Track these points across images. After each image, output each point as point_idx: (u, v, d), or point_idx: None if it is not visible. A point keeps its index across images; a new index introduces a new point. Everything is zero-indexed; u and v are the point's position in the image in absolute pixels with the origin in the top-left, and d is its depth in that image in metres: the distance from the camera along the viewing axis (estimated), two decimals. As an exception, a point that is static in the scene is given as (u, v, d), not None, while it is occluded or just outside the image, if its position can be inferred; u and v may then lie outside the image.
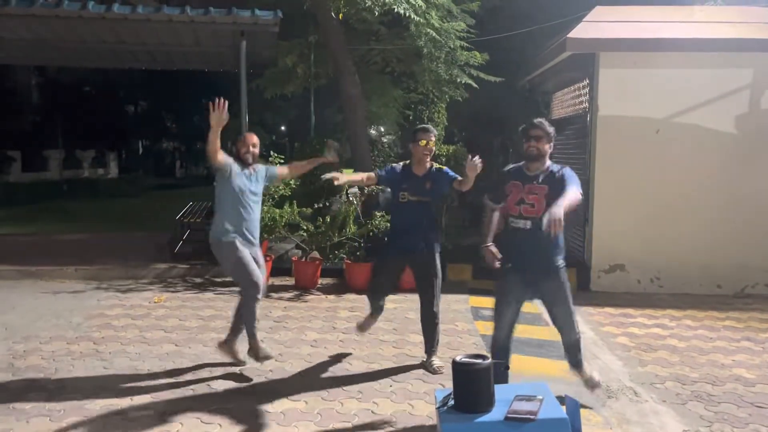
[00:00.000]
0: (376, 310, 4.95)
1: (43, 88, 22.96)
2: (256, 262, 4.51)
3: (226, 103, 4.21)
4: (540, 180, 3.79)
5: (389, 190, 5.26)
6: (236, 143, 4.61)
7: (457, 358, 3.14)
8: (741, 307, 6.73)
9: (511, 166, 4.05)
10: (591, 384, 4.11)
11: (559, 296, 3.87)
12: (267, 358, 4.47)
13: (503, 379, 3.87)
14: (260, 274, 4.51)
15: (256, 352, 4.44)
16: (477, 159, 4.17)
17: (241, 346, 4.62)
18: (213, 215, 8.62)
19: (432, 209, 4.62)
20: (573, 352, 4.06)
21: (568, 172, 3.80)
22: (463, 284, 7.50)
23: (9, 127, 19.77)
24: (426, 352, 4.73)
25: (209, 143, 4.29)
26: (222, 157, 4.38)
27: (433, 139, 4.60)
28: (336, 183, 4.51)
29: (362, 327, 5.02)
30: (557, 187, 3.67)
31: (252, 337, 4.44)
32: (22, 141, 20.78)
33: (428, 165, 4.59)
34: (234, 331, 4.66)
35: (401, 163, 4.73)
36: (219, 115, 4.15)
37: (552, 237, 3.62)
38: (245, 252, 4.42)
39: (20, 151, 20.73)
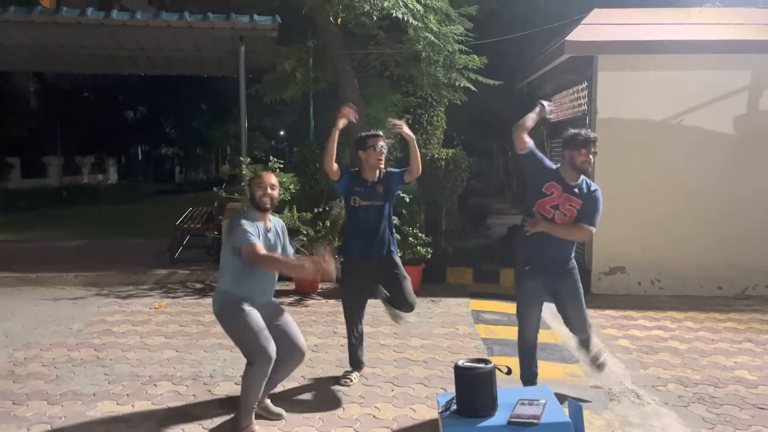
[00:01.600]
0: (357, 346, 4.55)
1: (41, 95, 22.98)
2: (279, 322, 3.79)
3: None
4: (578, 193, 3.92)
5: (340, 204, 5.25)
6: (250, 184, 3.82)
7: (460, 362, 3.14)
8: (742, 309, 6.73)
9: (551, 164, 4.07)
10: (596, 362, 4.24)
11: (574, 295, 4.05)
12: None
13: (532, 380, 4.16)
14: (297, 340, 3.80)
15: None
16: (395, 121, 4.43)
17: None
18: (213, 220, 8.59)
19: (386, 213, 4.46)
20: (587, 345, 4.24)
21: (599, 198, 3.97)
22: (464, 288, 7.50)
23: (8, 134, 19.78)
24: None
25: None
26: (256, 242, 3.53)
27: (385, 143, 4.46)
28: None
29: (347, 382, 4.47)
30: (587, 205, 3.91)
31: (247, 414, 3.61)
32: (21, 147, 20.77)
33: (379, 170, 4.45)
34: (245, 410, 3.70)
35: (351, 170, 4.56)
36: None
37: (569, 245, 3.97)
38: (254, 316, 3.61)
39: (19, 157, 20.72)
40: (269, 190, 3.73)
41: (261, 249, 3.51)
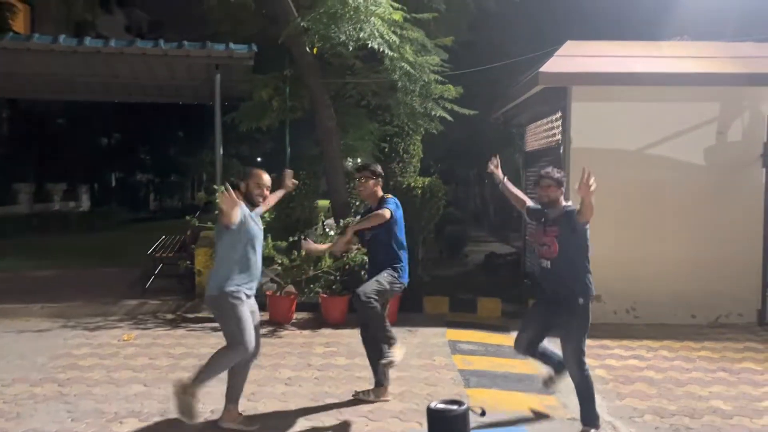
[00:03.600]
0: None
1: (13, 120, 22.63)
2: (252, 316, 4.15)
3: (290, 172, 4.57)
4: (554, 222, 4.17)
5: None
6: (246, 181, 4.16)
7: (432, 405, 3.07)
8: (715, 337, 6.76)
9: (533, 206, 4.48)
10: (546, 385, 4.57)
11: (569, 331, 4.10)
12: (189, 416, 3.93)
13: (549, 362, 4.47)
14: (255, 338, 4.10)
15: (184, 405, 3.90)
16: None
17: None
18: (186, 249, 8.45)
19: (383, 242, 4.56)
20: (581, 398, 4.17)
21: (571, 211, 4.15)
22: (441, 317, 7.43)
23: (-22, 161, 19.41)
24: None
25: (226, 214, 3.85)
26: (238, 216, 3.93)
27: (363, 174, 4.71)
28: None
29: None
30: (565, 223, 4.11)
31: (198, 383, 3.93)
32: (-8, 174, 20.36)
33: (378, 198, 4.68)
34: (230, 397, 4.19)
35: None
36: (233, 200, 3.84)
37: (575, 269, 4.13)
38: (247, 311, 4.02)
39: (-11, 184, 20.30)
40: (265, 191, 4.20)
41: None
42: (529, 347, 4.37)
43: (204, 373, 3.96)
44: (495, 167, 4.72)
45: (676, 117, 7.38)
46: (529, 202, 4.57)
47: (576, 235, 4.11)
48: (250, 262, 4.09)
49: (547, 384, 4.58)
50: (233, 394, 4.17)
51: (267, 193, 4.24)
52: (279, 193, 4.91)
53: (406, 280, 4.62)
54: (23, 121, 22.00)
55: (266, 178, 4.19)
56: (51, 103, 20.92)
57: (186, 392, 3.91)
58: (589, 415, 4.10)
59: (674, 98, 7.38)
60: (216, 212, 4.31)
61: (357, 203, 8.52)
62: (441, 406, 3.06)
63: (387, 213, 4.44)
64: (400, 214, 4.62)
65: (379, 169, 4.77)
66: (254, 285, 4.15)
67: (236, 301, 3.97)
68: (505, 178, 4.71)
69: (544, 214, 4.26)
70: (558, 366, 4.40)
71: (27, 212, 20.99)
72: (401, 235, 4.62)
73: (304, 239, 5.24)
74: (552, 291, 4.22)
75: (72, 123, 23.54)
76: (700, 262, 7.33)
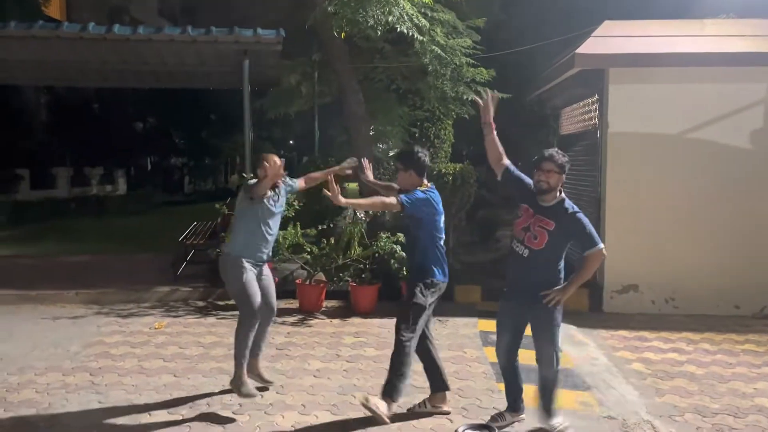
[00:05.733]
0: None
1: (51, 107, 23.04)
2: (263, 280, 4.53)
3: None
4: (549, 214, 3.74)
5: None
6: (262, 167, 4.39)
7: (459, 430, 2.94)
8: (760, 329, 6.50)
9: (529, 181, 3.88)
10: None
11: (543, 329, 3.83)
12: (249, 396, 4.30)
13: (511, 402, 4.01)
14: (270, 299, 4.60)
15: (238, 386, 4.31)
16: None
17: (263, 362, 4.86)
18: (217, 236, 8.48)
19: (413, 238, 4.18)
20: (545, 393, 3.91)
21: (581, 219, 3.72)
22: (472, 307, 7.29)
23: (18, 146, 19.79)
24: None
25: (262, 185, 4.28)
26: (268, 192, 4.39)
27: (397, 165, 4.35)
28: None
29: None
30: (565, 226, 3.70)
31: (239, 366, 4.34)
32: (31, 159, 20.77)
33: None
34: (252, 352, 4.54)
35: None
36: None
37: (547, 268, 3.75)
38: (251, 277, 4.39)
39: (29, 169, 20.71)
40: (282, 171, 4.31)
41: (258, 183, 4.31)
42: (508, 354, 3.97)
43: (236, 353, 4.35)
44: (488, 111, 3.90)
45: (720, 99, 7.05)
46: (508, 163, 3.96)
47: (568, 240, 3.77)
48: (263, 238, 4.44)
49: (496, 420, 3.99)
50: (253, 349, 4.51)
51: (285, 173, 4.44)
52: (329, 171, 4.79)
53: (441, 278, 4.15)
54: (61, 107, 22.37)
55: (281, 163, 4.33)
56: (87, 89, 21.23)
57: (236, 380, 4.31)
58: (551, 407, 3.91)
59: (718, 79, 7.04)
60: (248, 183, 4.48)
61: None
62: (468, 431, 2.94)
63: (392, 201, 3.98)
64: (427, 211, 4.05)
65: (418, 155, 4.15)
66: (264, 256, 4.51)
67: (242, 268, 4.33)
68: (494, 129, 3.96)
69: (533, 199, 3.79)
70: (516, 404, 4.03)
71: (65, 196, 21.41)
72: (432, 234, 4.10)
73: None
74: (520, 284, 3.85)
75: (108, 108, 23.87)
76: (744, 250, 7.03)
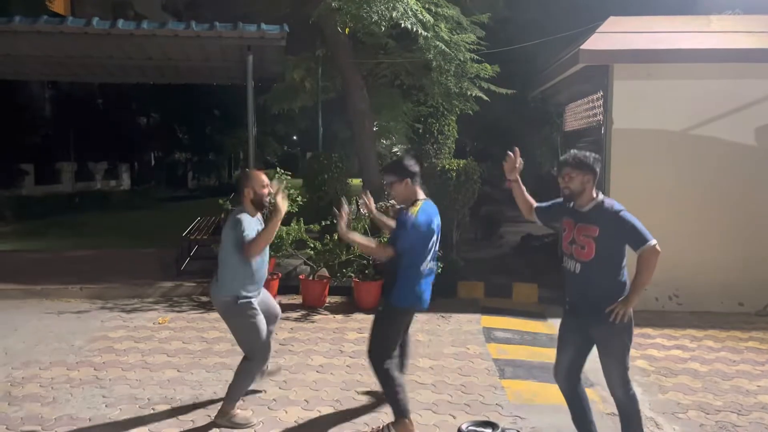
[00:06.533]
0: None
1: (55, 101, 23.07)
2: (266, 303, 4.22)
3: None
4: (590, 219, 3.40)
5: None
6: (250, 185, 3.96)
7: (463, 427, 2.92)
8: (764, 327, 6.49)
9: (546, 204, 3.76)
10: None
11: (609, 346, 3.44)
12: (246, 422, 3.98)
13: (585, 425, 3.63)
14: (274, 309, 4.32)
15: (229, 418, 3.97)
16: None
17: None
18: (219, 233, 8.47)
19: (396, 256, 3.80)
20: (629, 424, 3.50)
21: (627, 218, 3.36)
22: (475, 303, 7.30)
23: (22, 141, 19.83)
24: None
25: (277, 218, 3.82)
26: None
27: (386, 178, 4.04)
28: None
29: None
30: (610, 229, 3.34)
31: (230, 404, 3.99)
32: (35, 154, 20.82)
33: (410, 203, 3.90)
34: (231, 396, 4.06)
35: None
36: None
37: (606, 279, 3.38)
38: (261, 318, 3.98)
39: (33, 164, 20.76)
40: (269, 189, 3.99)
41: (255, 243, 3.82)
42: (569, 375, 3.61)
43: (233, 392, 4.00)
44: (514, 169, 3.74)
45: (725, 96, 7.01)
46: (537, 204, 3.80)
47: (619, 242, 3.38)
48: (259, 269, 4.03)
49: None
50: (235, 394, 4.02)
51: (271, 190, 3.98)
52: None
53: (411, 302, 3.88)
54: (65, 102, 22.40)
55: (266, 178, 4.05)
56: (91, 84, 21.24)
57: (225, 416, 3.99)
58: None
59: (724, 75, 7.00)
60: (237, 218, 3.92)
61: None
62: (473, 428, 2.92)
63: (389, 252, 3.77)
64: (416, 235, 3.75)
65: (407, 163, 3.88)
66: (265, 272, 4.14)
67: (253, 311, 3.95)
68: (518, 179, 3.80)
69: (571, 209, 3.50)
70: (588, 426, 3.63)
71: (69, 191, 21.48)
72: (418, 255, 3.80)
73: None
74: (577, 300, 3.51)
75: (112, 103, 23.90)
76: (749, 247, 7.01)
